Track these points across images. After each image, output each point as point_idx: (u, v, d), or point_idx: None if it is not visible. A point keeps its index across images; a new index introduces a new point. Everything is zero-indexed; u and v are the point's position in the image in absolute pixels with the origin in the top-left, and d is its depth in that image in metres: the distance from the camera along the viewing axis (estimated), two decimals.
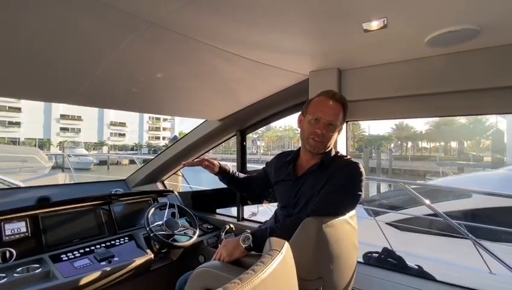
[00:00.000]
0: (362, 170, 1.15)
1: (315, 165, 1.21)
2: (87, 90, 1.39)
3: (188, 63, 1.35)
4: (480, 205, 3.94)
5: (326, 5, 0.91)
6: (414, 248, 3.59)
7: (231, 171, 1.51)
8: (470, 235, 2.50)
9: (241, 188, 1.64)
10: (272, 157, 1.49)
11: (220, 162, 1.50)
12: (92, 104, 1.83)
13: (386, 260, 1.85)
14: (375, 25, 1.01)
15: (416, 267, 1.80)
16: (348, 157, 1.23)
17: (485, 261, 2.63)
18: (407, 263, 1.83)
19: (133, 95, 1.61)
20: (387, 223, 4.09)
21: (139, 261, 1.57)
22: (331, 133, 1.18)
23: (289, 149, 1.70)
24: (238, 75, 1.53)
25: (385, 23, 0.99)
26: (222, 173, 1.49)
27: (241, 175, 1.56)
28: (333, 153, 1.24)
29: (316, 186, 1.16)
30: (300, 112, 1.29)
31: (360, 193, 1.12)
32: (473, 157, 29.36)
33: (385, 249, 1.93)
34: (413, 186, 3.10)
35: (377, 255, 1.90)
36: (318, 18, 1.00)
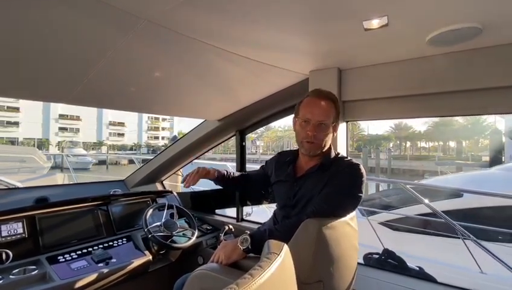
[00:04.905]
0: (363, 171, 1.14)
1: (315, 166, 1.19)
2: (85, 90, 1.37)
3: (186, 62, 1.33)
4: (472, 205, 3.93)
5: (327, 4, 0.90)
6: (406, 247, 3.58)
7: (226, 173, 1.46)
8: (471, 235, 2.49)
9: (238, 187, 1.64)
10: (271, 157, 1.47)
11: (215, 168, 1.45)
12: (89, 104, 1.81)
13: (387, 261, 1.84)
14: (376, 23, 1.00)
15: (417, 268, 1.79)
16: (349, 158, 1.22)
17: (475, 260, 2.62)
18: (407, 264, 1.82)
19: (131, 95, 1.59)
20: (380, 223, 4.08)
21: (137, 262, 1.55)
22: (323, 133, 1.15)
23: (288, 149, 1.69)
24: (238, 74, 1.52)
25: (386, 21, 0.98)
26: (218, 178, 1.44)
27: (237, 174, 1.52)
28: (333, 154, 1.22)
29: (316, 188, 1.14)
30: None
31: (361, 194, 1.12)
32: (472, 157, 29.38)
33: (385, 250, 1.92)
34: (409, 186, 3.08)
35: (378, 256, 1.89)
36: (318, 16, 0.99)
